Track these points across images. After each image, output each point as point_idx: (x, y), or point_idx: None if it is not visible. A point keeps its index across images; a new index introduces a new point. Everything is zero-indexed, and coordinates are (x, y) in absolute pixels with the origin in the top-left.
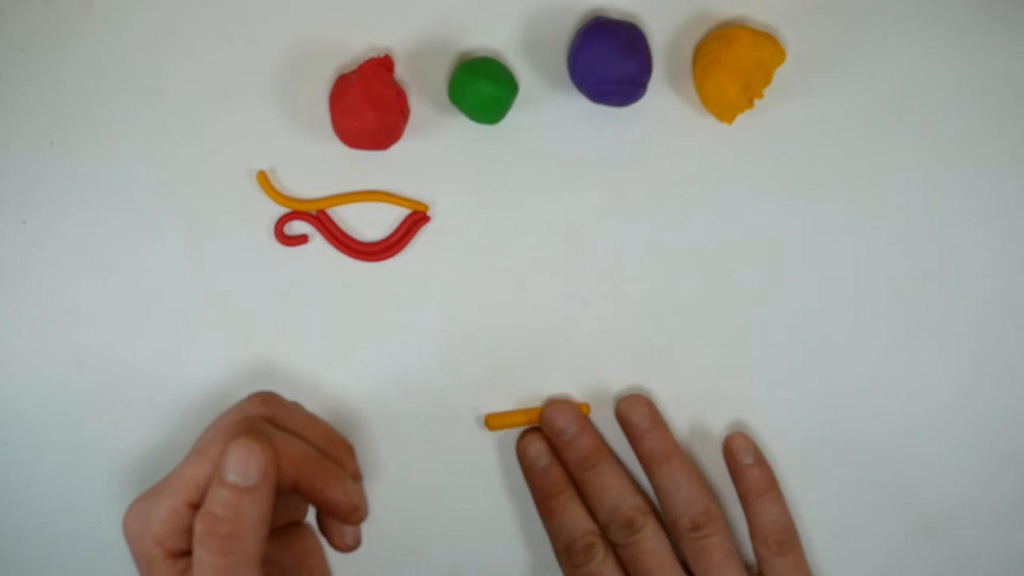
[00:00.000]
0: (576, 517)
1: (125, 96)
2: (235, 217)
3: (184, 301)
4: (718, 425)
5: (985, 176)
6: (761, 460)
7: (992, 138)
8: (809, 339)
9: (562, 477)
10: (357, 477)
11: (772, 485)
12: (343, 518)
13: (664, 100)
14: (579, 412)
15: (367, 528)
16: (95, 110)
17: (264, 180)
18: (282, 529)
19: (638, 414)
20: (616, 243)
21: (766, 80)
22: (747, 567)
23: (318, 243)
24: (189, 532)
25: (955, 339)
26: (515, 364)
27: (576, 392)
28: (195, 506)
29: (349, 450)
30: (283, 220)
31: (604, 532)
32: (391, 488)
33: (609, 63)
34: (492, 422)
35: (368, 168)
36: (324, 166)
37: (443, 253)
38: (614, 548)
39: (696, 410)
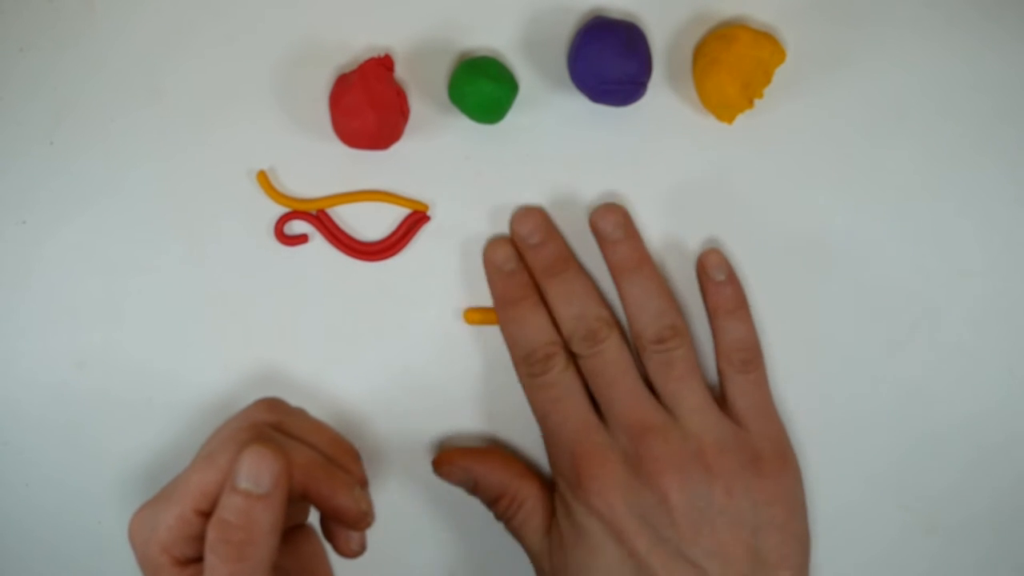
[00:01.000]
0: (538, 325)
1: (125, 96)
2: (235, 217)
3: (184, 300)
4: (696, 243)
5: (984, 176)
6: (733, 278)
7: (991, 138)
8: (808, 339)
9: (526, 283)
10: (364, 483)
11: (742, 304)
12: (351, 524)
13: (664, 100)
14: (547, 219)
15: (374, 530)
16: (95, 110)
17: (264, 180)
18: (286, 532)
19: (611, 222)
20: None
21: (766, 80)
22: (710, 387)
23: (318, 243)
24: (197, 539)
25: (954, 338)
26: (514, 363)
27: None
28: (203, 513)
29: (355, 456)
30: (283, 220)
31: (566, 343)
32: (391, 488)
33: (609, 63)
34: (471, 316)
35: (368, 168)
36: (324, 166)
37: (443, 253)
38: (575, 360)
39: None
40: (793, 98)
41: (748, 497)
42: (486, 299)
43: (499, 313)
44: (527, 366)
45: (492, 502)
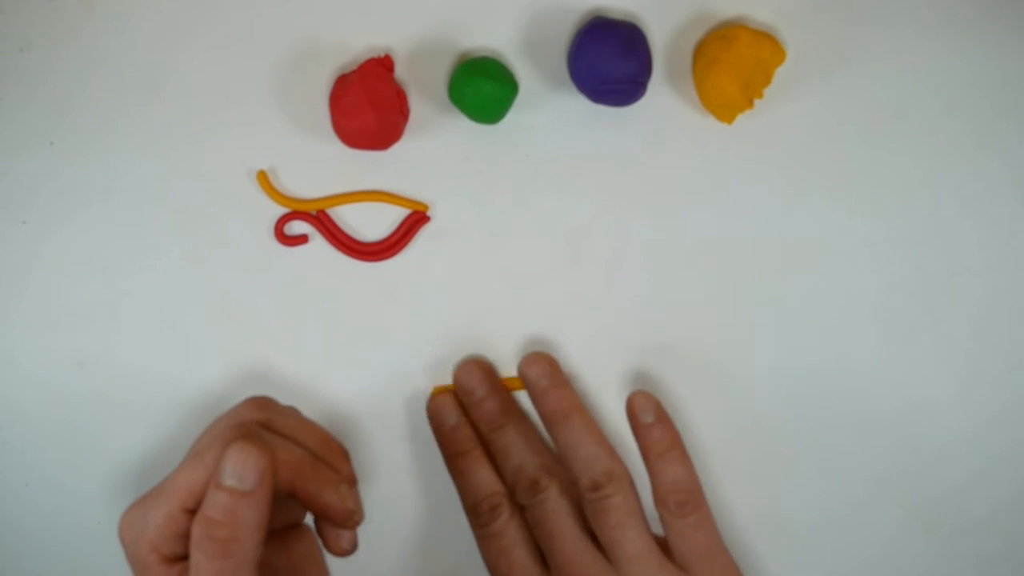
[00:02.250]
0: (483, 478)
1: (125, 96)
2: (235, 217)
3: (184, 300)
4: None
5: (984, 175)
6: (663, 418)
7: (991, 138)
8: (808, 338)
9: (470, 437)
10: (352, 481)
11: (674, 444)
12: (338, 523)
13: (664, 100)
14: (490, 372)
15: (366, 529)
16: (95, 110)
17: (264, 180)
18: (280, 531)
19: (537, 372)
20: (616, 243)
21: (766, 80)
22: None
23: (318, 243)
24: (185, 537)
25: (953, 338)
26: (515, 363)
27: (574, 392)
28: (191, 511)
29: (344, 455)
30: (283, 220)
31: (511, 493)
32: (391, 488)
33: (609, 63)
34: (437, 391)
35: (368, 168)
36: (324, 166)
37: (443, 253)
38: (521, 509)
39: (675, 228)
40: (793, 98)
41: None
42: (486, 299)
43: (447, 465)
44: (474, 516)
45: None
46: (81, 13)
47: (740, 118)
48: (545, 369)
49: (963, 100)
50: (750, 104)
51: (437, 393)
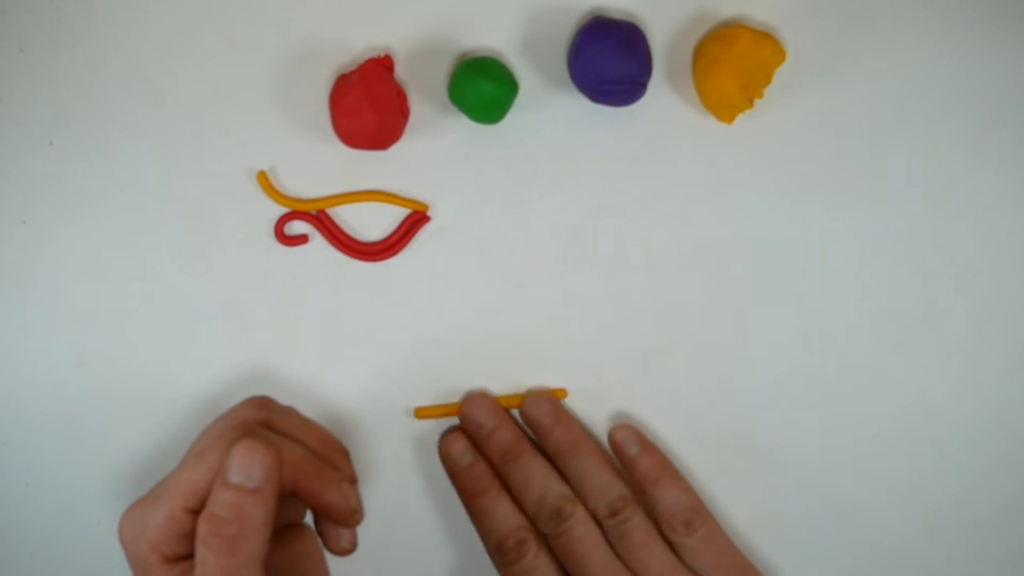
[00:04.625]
0: (504, 514)
1: (125, 96)
2: (235, 217)
3: (184, 300)
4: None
5: (984, 175)
6: (647, 446)
7: (991, 138)
8: (808, 338)
9: (486, 474)
10: (353, 480)
11: (664, 469)
12: (340, 521)
13: (664, 100)
14: (497, 405)
15: (366, 529)
16: (95, 110)
17: (264, 180)
18: (280, 531)
19: (540, 411)
20: (616, 243)
21: (766, 80)
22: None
23: (318, 243)
24: (186, 537)
25: (954, 338)
26: (515, 364)
27: (575, 391)
28: (192, 511)
29: (344, 454)
30: (283, 220)
31: (534, 524)
32: (391, 488)
33: (609, 63)
34: (420, 413)
35: (368, 168)
36: (324, 166)
37: (443, 253)
38: (546, 540)
39: (674, 228)
40: (793, 98)
41: None
42: (486, 299)
43: (466, 507)
44: (501, 555)
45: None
46: (81, 13)
47: (740, 118)
48: (547, 408)
49: (963, 100)
50: (750, 104)
51: (446, 434)
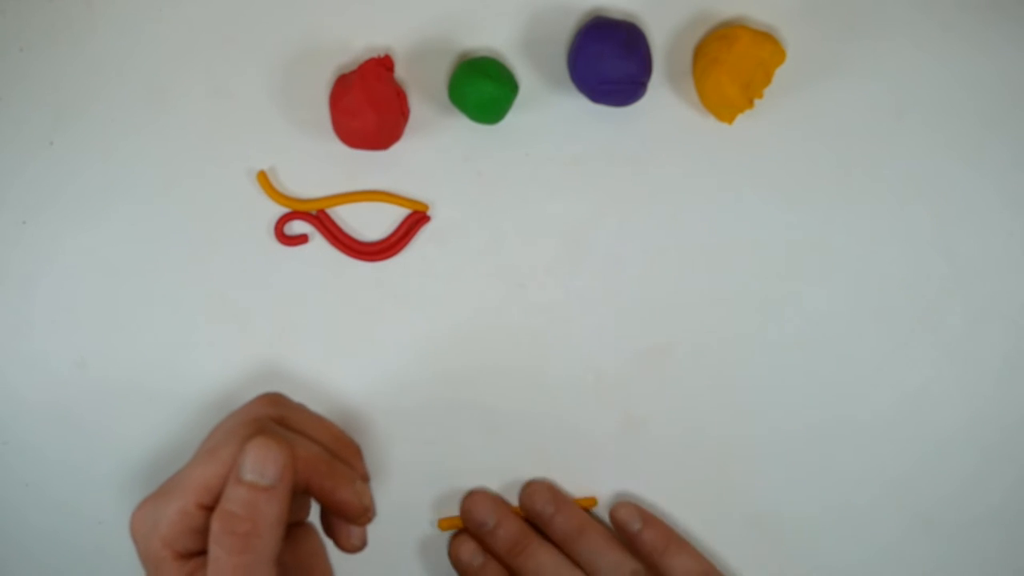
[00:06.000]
0: None
1: (125, 96)
2: (235, 217)
3: (184, 300)
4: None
5: (983, 175)
6: (649, 519)
7: (991, 137)
8: (809, 338)
9: (499, 571)
10: (366, 478)
11: (670, 539)
12: (352, 519)
13: (664, 100)
14: (496, 500)
15: (369, 528)
16: (95, 110)
17: (264, 180)
18: (289, 528)
19: (541, 501)
20: (616, 243)
21: (766, 80)
22: None
23: (318, 243)
24: (199, 533)
25: (954, 338)
26: (515, 363)
27: (575, 391)
28: (205, 507)
29: (357, 451)
30: (283, 220)
31: None
32: (391, 487)
33: (609, 63)
34: (443, 524)
35: (368, 168)
36: (324, 166)
37: (443, 253)
38: None
39: (674, 228)
40: (793, 98)
41: None
42: (486, 299)
43: None
44: None
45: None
46: (81, 13)
47: (740, 118)
48: (547, 496)
49: (963, 99)
50: (750, 104)
51: (454, 538)
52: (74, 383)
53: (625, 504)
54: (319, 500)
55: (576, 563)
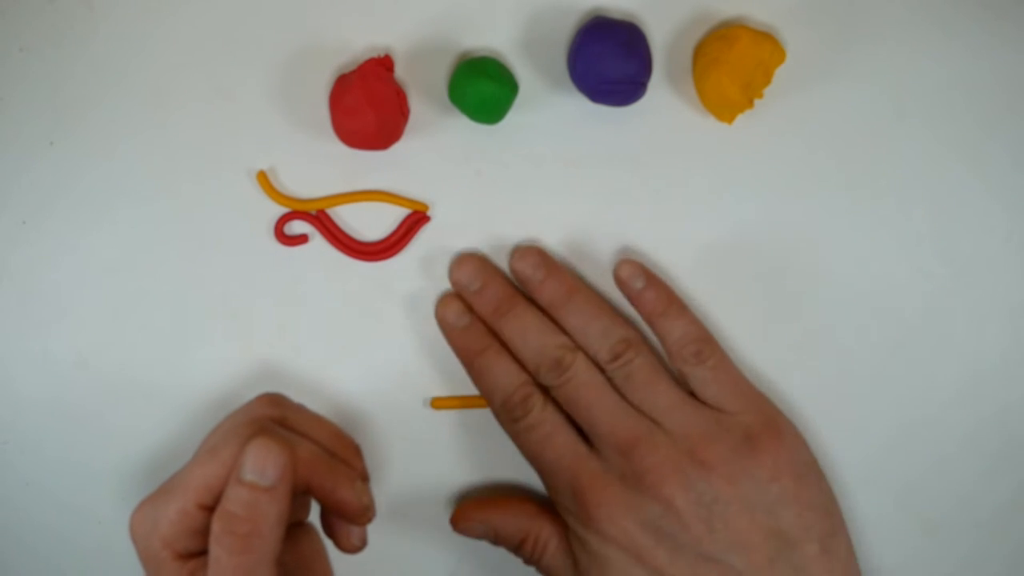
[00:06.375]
0: (505, 370)
1: (125, 96)
2: (235, 217)
3: (184, 300)
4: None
5: (985, 175)
6: (653, 279)
7: (992, 137)
8: (808, 338)
9: (483, 333)
10: (366, 478)
11: (671, 301)
12: (352, 519)
13: (664, 100)
14: (484, 262)
15: (369, 528)
16: (95, 110)
17: (264, 180)
18: (288, 529)
19: (530, 265)
20: (616, 243)
21: (766, 80)
22: (678, 380)
23: (318, 243)
24: (199, 533)
25: (955, 338)
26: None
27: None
28: (205, 507)
29: (357, 451)
30: (283, 220)
31: (535, 378)
32: (391, 487)
33: (609, 63)
34: (436, 403)
35: (368, 168)
36: (324, 166)
37: (443, 253)
38: (550, 393)
39: (674, 228)
40: (793, 98)
41: (751, 479)
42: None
43: (467, 370)
44: (507, 412)
45: (516, 548)
46: (81, 13)
47: (740, 118)
48: (537, 260)
49: (964, 99)
50: (750, 104)
51: (441, 298)
52: (74, 383)
53: (630, 261)
54: (319, 500)
55: (564, 330)
